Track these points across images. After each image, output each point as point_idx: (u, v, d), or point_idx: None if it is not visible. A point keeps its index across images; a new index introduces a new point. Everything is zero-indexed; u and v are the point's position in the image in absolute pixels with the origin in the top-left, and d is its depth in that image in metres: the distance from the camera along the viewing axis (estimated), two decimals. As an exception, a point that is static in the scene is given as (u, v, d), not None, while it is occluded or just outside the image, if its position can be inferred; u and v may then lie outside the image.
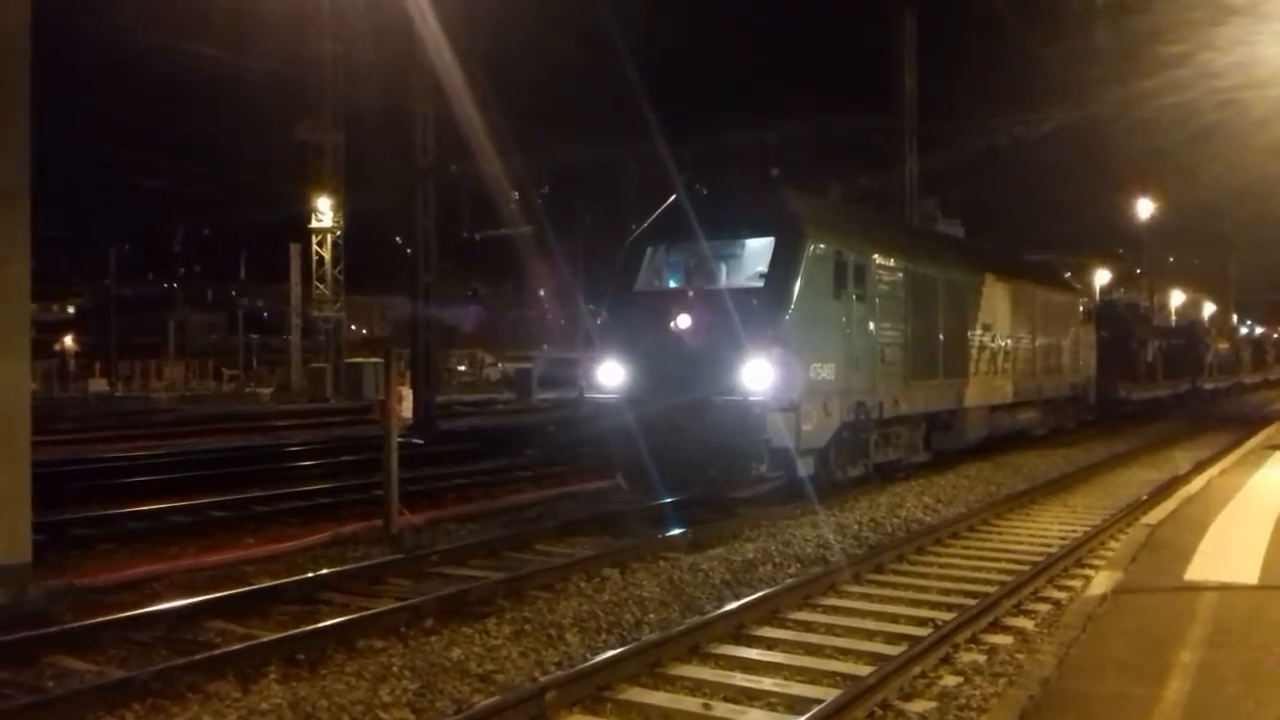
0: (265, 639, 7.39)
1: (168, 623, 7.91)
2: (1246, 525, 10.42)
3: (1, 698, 6.36)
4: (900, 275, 15.27)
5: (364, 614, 8.04)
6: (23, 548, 8.71)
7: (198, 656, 6.90)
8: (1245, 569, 8.41)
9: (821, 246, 13.22)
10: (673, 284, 13.78)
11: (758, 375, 11.99)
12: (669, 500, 12.87)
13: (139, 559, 10.50)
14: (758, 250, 13.27)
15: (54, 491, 12.72)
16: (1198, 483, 14.16)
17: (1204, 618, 6.97)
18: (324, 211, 43.89)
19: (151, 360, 61.99)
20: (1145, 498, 13.76)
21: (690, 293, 13.23)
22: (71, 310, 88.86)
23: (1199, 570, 8.40)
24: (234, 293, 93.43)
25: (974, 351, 17.92)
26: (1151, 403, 33.86)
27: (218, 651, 7.10)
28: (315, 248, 44.94)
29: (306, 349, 50.18)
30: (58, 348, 69.14)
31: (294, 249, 48.07)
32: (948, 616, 8.03)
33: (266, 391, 48.97)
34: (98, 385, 53.55)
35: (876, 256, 14.63)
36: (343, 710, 6.08)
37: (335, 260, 44.76)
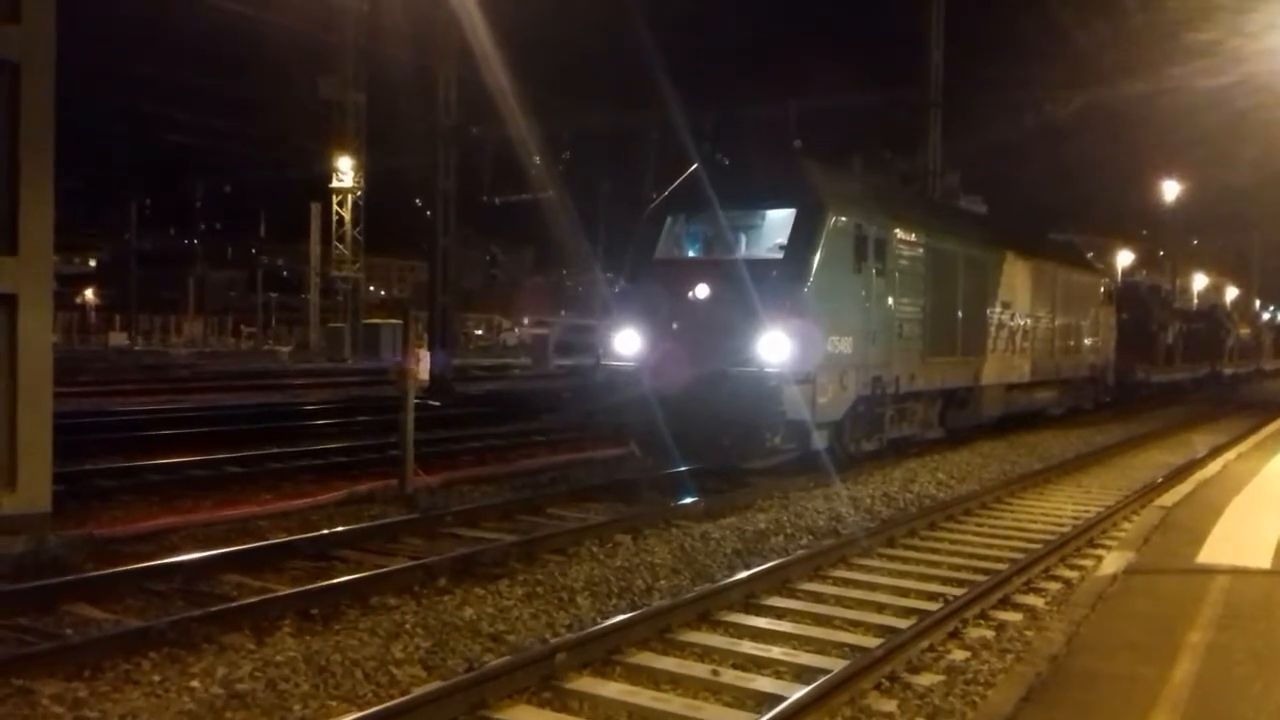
0: (280, 593, 7.48)
1: (184, 574, 8.01)
2: (1261, 510, 10.40)
3: (21, 644, 6.46)
4: (920, 250, 15.20)
5: (378, 571, 8.11)
6: (43, 497, 8.80)
7: (214, 608, 6.99)
8: (1258, 553, 8.40)
9: (842, 219, 13.16)
10: (692, 253, 13.76)
11: (775, 347, 11.98)
12: (683, 469, 12.91)
13: (157, 511, 10.59)
14: (778, 221, 13.22)
15: (74, 442, 12.84)
16: (1213, 467, 14.12)
17: (1215, 600, 6.97)
18: (345, 171, 43.91)
19: (171, 316, 62.43)
20: (1160, 480, 13.72)
21: (709, 262, 13.21)
22: (92, 263, 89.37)
23: (1211, 553, 8.40)
24: (254, 250, 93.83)
25: (992, 329, 17.84)
26: (1170, 386, 33.68)
27: (233, 604, 7.19)
28: (336, 207, 45.00)
29: (325, 309, 50.40)
30: (78, 301, 69.71)
31: (314, 208, 48.19)
32: (958, 592, 8.05)
33: (284, 350, 49.27)
34: (118, 339, 54.05)
35: (897, 230, 14.56)
36: (356, 665, 6.16)
37: (355, 220, 44.81)
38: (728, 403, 11.97)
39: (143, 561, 8.31)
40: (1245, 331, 49.36)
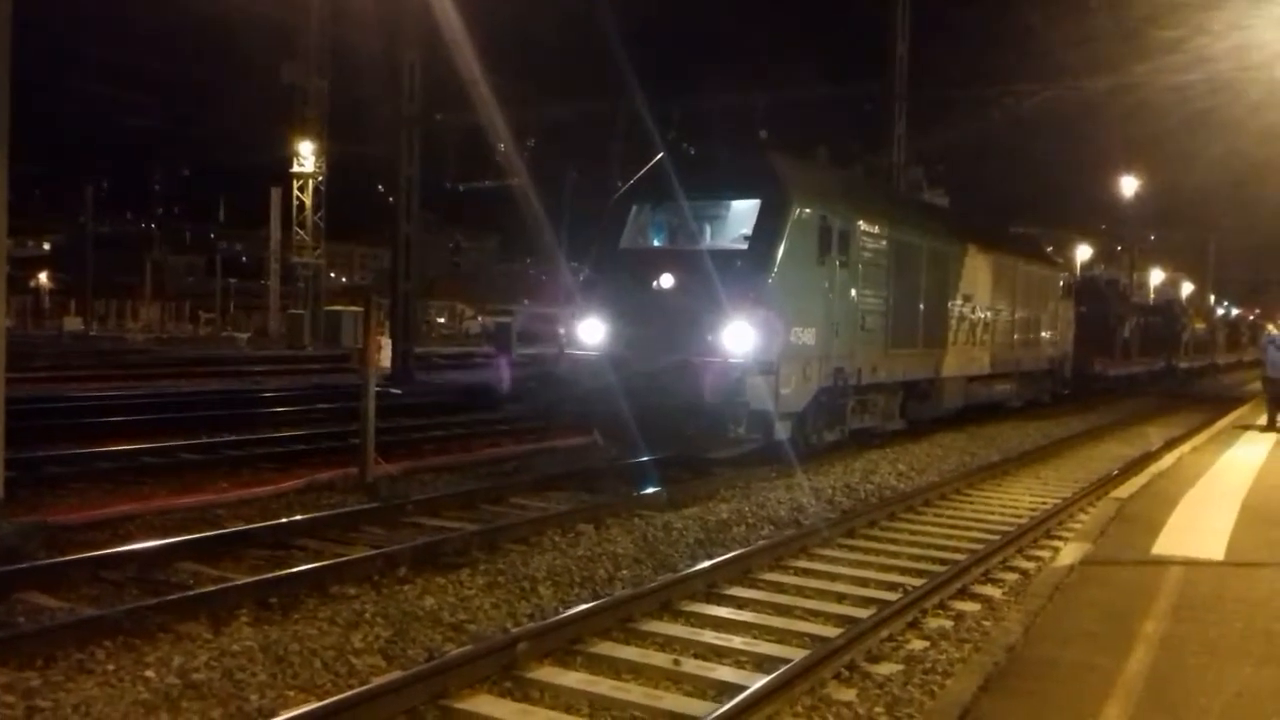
0: (238, 582, 7.41)
1: (140, 562, 7.90)
2: (1215, 503, 10.56)
3: (-29, 632, 6.35)
4: (884, 243, 15.27)
5: (338, 560, 8.05)
6: (-5, 483, 8.67)
7: (170, 597, 6.90)
8: (1211, 545, 8.54)
9: (807, 211, 13.20)
10: (657, 243, 13.74)
11: (739, 337, 12.00)
12: (646, 459, 12.91)
13: (112, 499, 10.46)
14: (743, 212, 13.23)
15: (28, 428, 12.63)
16: (1169, 459, 14.33)
17: (1169, 591, 7.08)
18: (306, 156, 43.42)
19: (127, 300, 61.48)
20: (1116, 472, 13.91)
21: (674, 252, 13.20)
22: (47, 247, 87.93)
23: (1166, 545, 8.53)
24: (213, 235, 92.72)
25: (953, 322, 17.98)
26: (1127, 379, 34.12)
27: (190, 593, 7.10)
28: (296, 193, 44.48)
29: (285, 295, 49.83)
30: (32, 284, 68.52)
31: (274, 193, 47.66)
32: (917, 582, 8.11)
33: (244, 336, 48.67)
34: (72, 324, 53.13)
35: (861, 223, 14.62)
36: (314, 655, 6.10)
37: (316, 206, 44.33)
38: (691, 392, 11.98)
39: (97, 549, 8.19)
40: (1201, 326, 50.09)
